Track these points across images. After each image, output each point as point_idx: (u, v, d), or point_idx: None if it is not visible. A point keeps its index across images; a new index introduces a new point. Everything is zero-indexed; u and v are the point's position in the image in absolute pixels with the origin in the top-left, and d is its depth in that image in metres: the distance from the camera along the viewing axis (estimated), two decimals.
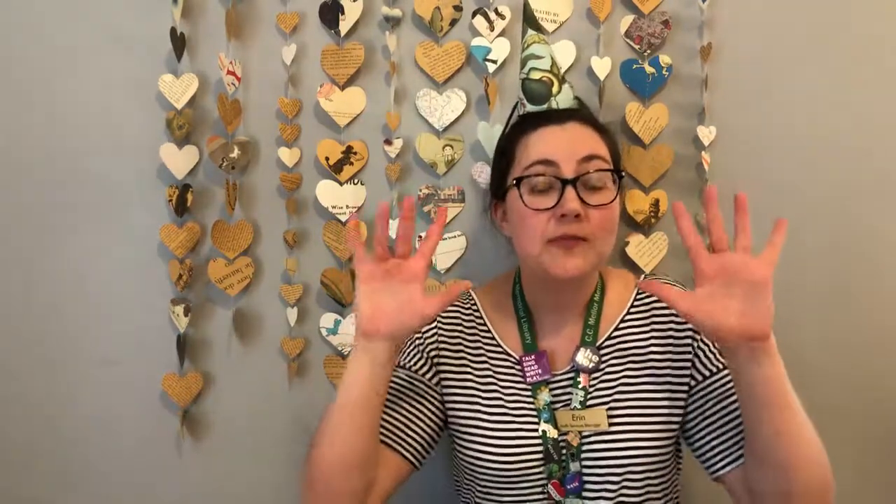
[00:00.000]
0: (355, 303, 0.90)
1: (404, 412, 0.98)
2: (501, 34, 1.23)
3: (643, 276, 1.06)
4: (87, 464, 1.27)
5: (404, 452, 0.97)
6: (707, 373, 0.95)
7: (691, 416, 0.96)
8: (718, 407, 0.93)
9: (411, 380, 1.00)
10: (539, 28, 1.10)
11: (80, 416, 1.27)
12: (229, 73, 1.22)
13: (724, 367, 0.94)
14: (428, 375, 1.01)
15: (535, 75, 1.04)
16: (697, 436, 0.95)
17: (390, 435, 0.96)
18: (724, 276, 0.81)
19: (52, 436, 1.27)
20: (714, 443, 0.94)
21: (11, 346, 1.27)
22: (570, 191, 0.91)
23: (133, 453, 1.27)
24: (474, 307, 1.06)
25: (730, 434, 0.92)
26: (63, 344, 1.26)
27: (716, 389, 0.94)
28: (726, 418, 0.93)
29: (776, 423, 0.81)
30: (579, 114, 1.01)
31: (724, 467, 0.92)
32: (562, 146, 0.95)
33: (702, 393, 0.95)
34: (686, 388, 0.96)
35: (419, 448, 0.98)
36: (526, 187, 0.95)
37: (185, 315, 1.24)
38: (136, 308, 1.26)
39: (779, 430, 0.81)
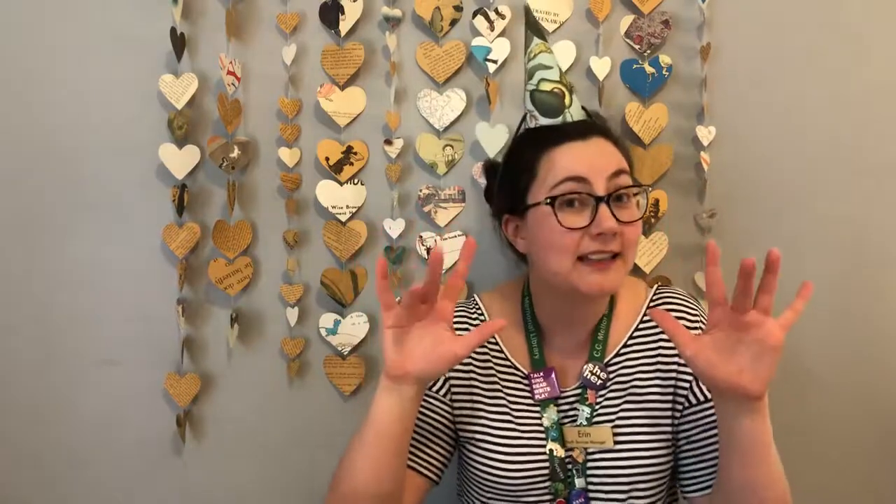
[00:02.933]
0: (381, 346, 0.87)
1: (424, 432, 0.98)
2: (502, 34, 1.23)
3: (655, 287, 1.04)
4: (88, 463, 1.27)
5: (427, 473, 0.97)
6: (702, 398, 0.95)
7: (678, 436, 0.96)
8: (705, 435, 0.93)
9: (427, 398, 0.99)
10: (542, 36, 1.07)
11: (82, 415, 1.27)
12: (229, 73, 1.22)
13: None
14: (442, 392, 1.00)
15: (546, 87, 1.01)
16: (679, 456, 0.96)
17: (413, 459, 0.96)
18: (735, 328, 0.78)
19: (53, 436, 1.27)
20: (691, 467, 0.94)
21: (12, 346, 1.26)
22: (604, 209, 0.90)
23: (134, 453, 1.27)
24: (481, 318, 1.05)
25: (707, 462, 0.93)
26: (64, 344, 1.26)
27: (706, 417, 0.94)
28: (708, 447, 0.93)
29: (748, 474, 0.81)
30: (599, 127, 0.99)
31: (694, 492, 0.94)
32: (591, 162, 0.93)
33: (692, 417, 0.95)
34: (681, 407, 0.96)
35: (439, 465, 0.99)
36: (559, 205, 0.92)
37: (182, 315, 1.24)
38: (137, 308, 1.26)
39: (750, 481, 0.81)
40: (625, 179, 0.93)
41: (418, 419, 0.97)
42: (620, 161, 0.95)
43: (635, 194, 0.95)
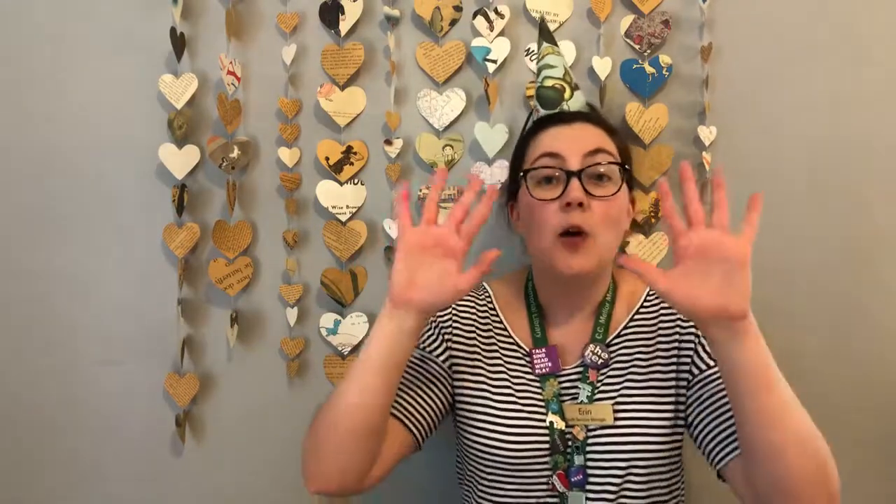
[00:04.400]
0: (391, 270, 0.88)
1: (415, 388, 0.99)
2: (501, 34, 1.23)
3: None
4: (89, 463, 1.27)
5: (411, 427, 0.97)
6: (704, 366, 0.96)
7: (691, 408, 0.97)
8: (716, 398, 0.94)
9: (424, 359, 1.01)
10: (554, 42, 1.14)
11: (82, 415, 1.27)
12: (229, 73, 1.22)
13: None
14: (441, 358, 1.02)
15: (548, 83, 1.10)
16: (697, 428, 0.95)
17: (399, 408, 0.97)
18: (700, 253, 0.80)
19: (53, 435, 1.27)
20: (712, 433, 0.93)
21: (12, 346, 1.27)
22: (574, 181, 0.94)
23: (134, 453, 1.27)
24: (488, 298, 1.08)
25: (726, 424, 0.92)
26: (65, 344, 1.26)
27: (713, 381, 0.95)
28: (722, 409, 0.93)
29: (760, 404, 0.80)
30: (587, 115, 1.05)
31: (722, 458, 0.92)
32: (568, 141, 0.98)
33: (700, 385, 0.96)
34: (686, 381, 0.97)
35: (425, 426, 0.99)
36: (532, 180, 0.97)
37: (182, 315, 1.24)
38: (137, 308, 1.26)
39: (763, 411, 0.80)
40: (603, 158, 0.96)
41: (412, 371, 0.99)
42: (602, 142, 0.98)
43: (621, 177, 0.97)
